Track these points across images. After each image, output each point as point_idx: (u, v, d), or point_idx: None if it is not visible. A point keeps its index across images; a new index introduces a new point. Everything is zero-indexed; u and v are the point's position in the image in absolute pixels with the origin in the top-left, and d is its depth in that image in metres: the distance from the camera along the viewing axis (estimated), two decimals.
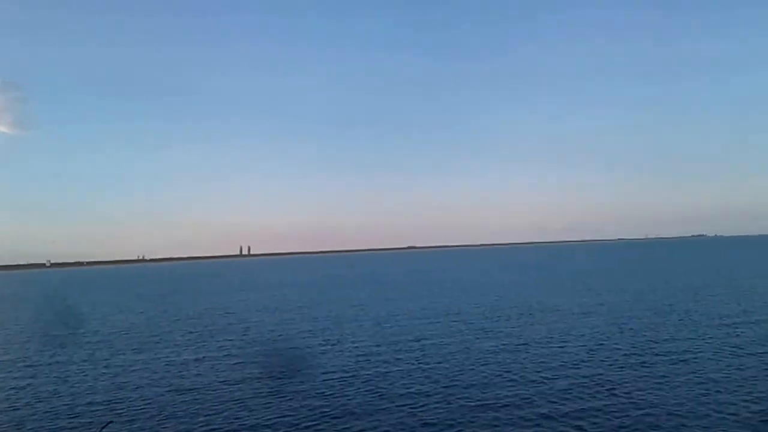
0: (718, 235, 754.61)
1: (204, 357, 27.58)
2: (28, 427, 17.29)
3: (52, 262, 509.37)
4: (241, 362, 25.92)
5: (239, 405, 18.62)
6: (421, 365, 23.48)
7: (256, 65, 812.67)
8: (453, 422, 15.95)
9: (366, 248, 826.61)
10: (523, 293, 53.32)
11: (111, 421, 17.01)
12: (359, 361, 24.79)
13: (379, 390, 19.81)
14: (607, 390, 18.29)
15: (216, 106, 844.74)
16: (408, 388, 19.88)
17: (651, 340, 26.43)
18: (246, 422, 16.76)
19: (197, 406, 18.70)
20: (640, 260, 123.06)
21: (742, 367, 20.63)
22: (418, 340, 29.34)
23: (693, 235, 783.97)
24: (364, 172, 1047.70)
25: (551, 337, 28.43)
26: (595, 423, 15.27)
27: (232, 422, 16.81)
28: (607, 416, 15.73)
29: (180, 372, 24.29)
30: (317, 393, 19.69)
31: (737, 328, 28.63)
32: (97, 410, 18.81)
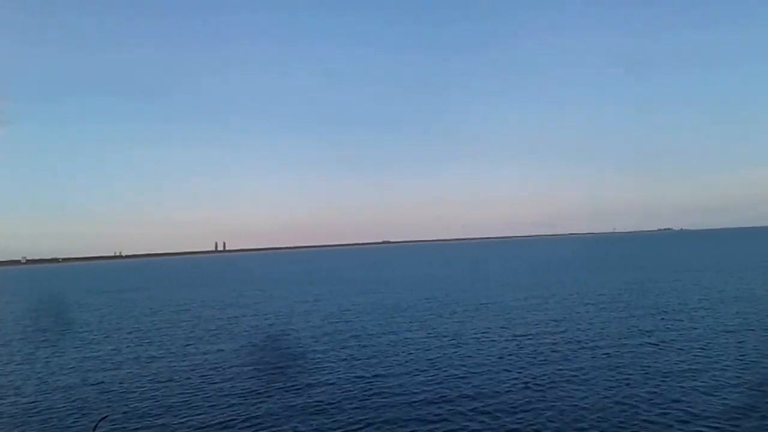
0: (683, 229, 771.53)
1: (137, 355, 27.89)
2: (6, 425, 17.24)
3: (27, 258, 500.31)
4: (168, 359, 26.26)
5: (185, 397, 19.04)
6: (350, 359, 24.13)
7: (238, 64, 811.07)
8: (367, 413, 16.60)
9: (341, 243, 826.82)
10: (474, 287, 54.42)
11: (107, 416, 16.91)
12: (292, 357, 25.32)
13: (302, 382, 20.41)
14: (523, 383, 18.96)
15: (194, 104, 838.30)
16: (327, 377, 20.67)
17: (580, 331, 27.65)
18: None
19: (166, 398, 19.13)
20: (600, 254, 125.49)
21: (660, 360, 21.39)
22: (357, 335, 29.94)
23: (660, 229, 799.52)
24: (340, 169, 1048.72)
25: (488, 330, 29.34)
26: (501, 413, 16.06)
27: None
28: (512, 407, 16.53)
29: (105, 367, 24.60)
30: (243, 386, 20.23)
31: (668, 321, 29.67)
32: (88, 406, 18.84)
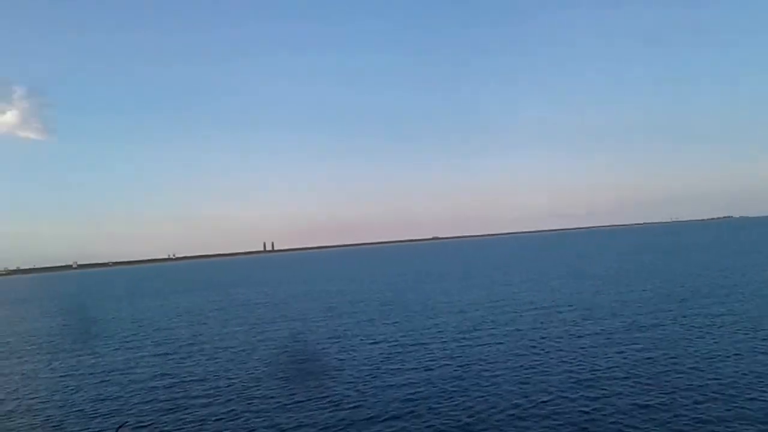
0: (743, 216, 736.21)
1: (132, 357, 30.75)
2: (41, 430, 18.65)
3: (78, 263, 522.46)
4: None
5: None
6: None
7: (275, 71, 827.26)
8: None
9: (390, 240, 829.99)
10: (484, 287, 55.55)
11: (127, 422, 17.30)
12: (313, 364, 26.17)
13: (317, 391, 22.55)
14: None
15: (239, 109, 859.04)
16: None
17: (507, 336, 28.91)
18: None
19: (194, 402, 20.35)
20: (634, 246, 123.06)
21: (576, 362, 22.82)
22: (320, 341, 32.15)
23: (719, 217, 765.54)
24: (387, 166, 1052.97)
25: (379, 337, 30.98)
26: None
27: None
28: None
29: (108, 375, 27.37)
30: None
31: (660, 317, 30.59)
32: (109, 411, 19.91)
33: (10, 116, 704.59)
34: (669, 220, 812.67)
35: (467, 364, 22.83)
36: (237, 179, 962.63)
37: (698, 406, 15.71)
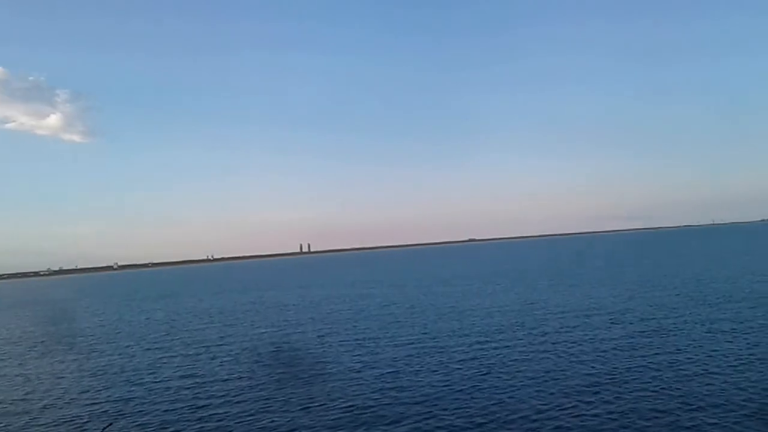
0: None
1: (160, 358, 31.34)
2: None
3: (119, 264, 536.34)
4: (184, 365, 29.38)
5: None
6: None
7: (309, 71, 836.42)
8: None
9: (426, 242, 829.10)
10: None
11: (111, 423, 17.80)
12: (297, 364, 26.81)
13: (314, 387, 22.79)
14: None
15: (277, 110, 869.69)
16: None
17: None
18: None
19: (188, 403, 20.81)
20: (657, 249, 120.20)
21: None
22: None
23: (763, 220, 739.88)
24: (423, 168, 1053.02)
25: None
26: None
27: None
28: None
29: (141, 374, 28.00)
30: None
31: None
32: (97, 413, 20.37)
33: (54, 120, 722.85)
34: (709, 223, 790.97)
35: (490, 368, 22.61)
36: (274, 181, 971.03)
37: (726, 415, 15.18)
